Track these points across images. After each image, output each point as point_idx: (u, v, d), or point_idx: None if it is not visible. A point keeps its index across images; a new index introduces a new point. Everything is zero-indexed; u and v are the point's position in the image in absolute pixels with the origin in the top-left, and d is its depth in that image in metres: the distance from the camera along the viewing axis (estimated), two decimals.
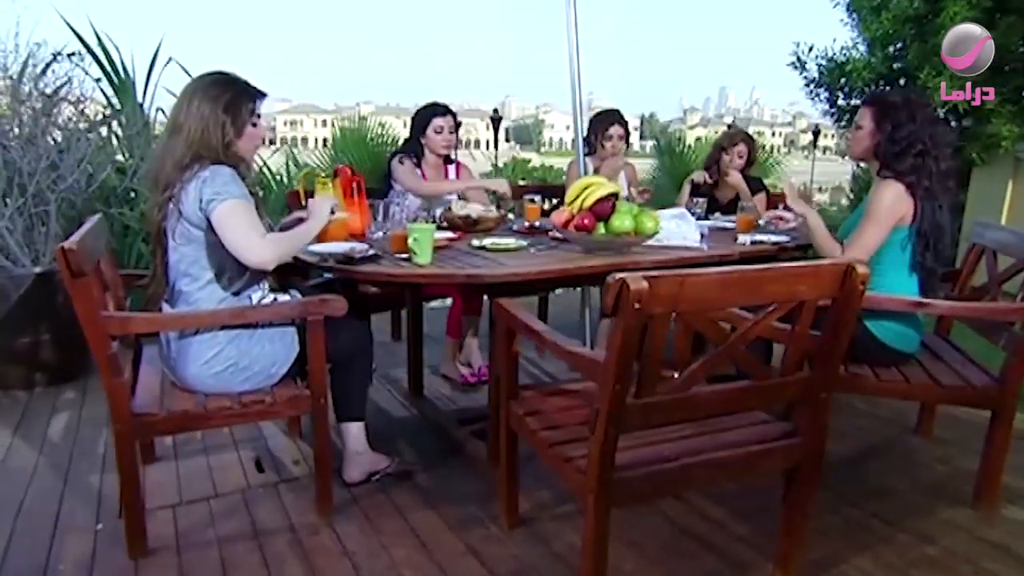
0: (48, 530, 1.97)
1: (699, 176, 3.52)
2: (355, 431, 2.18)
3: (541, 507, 2.10)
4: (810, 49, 6.25)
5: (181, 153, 1.84)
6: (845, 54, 6.11)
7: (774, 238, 2.60)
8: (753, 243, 2.55)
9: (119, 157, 3.98)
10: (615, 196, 2.25)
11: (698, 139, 11.41)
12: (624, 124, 3.45)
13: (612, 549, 1.88)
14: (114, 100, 4.28)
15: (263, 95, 1.99)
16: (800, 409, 1.70)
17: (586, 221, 2.19)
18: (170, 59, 4.37)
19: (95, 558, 1.84)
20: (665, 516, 2.06)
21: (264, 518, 2.05)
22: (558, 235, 2.40)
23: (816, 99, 6.34)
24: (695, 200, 3.30)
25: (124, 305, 2.13)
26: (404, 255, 2.13)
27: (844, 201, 10.15)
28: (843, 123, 6.21)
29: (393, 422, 2.78)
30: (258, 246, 1.82)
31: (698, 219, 3.12)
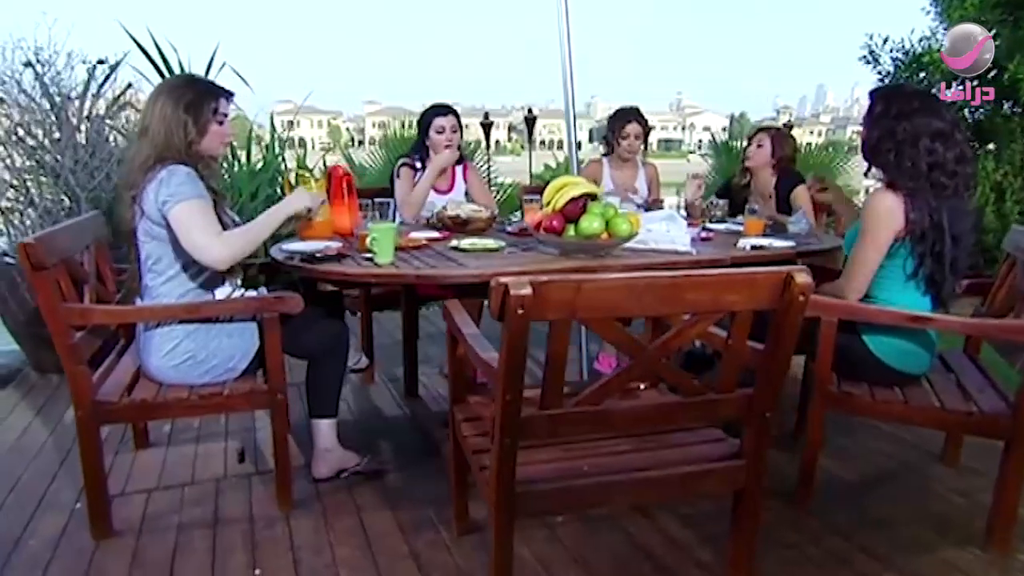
0: (33, 507, 2.10)
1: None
2: (325, 428, 2.20)
3: None
4: (884, 41, 5.81)
5: (146, 155, 1.92)
6: (924, 45, 5.65)
7: (778, 243, 2.42)
8: (753, 248, 2.39)
9: None
10: (590, 197, 2.16)
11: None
12: (642, 122, 3.33)
13: (557, 563, 1.83)
14: None
15: (229, 94, 2.04)
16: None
17: (554, 223, 2.11)
18: (224, 64, 4.59)
19: (63, 536, 1.95)
20: (626, 533, 1.96)
21: (228, 508, 2.10)
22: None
23: None
24: (714, 202, 3.12)
25: (110, 298, 2.24)
26: (369, 255, 2.12)
27: None
28: None
29: (384, 421, 2.79)
30: (210, 246, 1.86)
31: (716, 221, 2.96)
